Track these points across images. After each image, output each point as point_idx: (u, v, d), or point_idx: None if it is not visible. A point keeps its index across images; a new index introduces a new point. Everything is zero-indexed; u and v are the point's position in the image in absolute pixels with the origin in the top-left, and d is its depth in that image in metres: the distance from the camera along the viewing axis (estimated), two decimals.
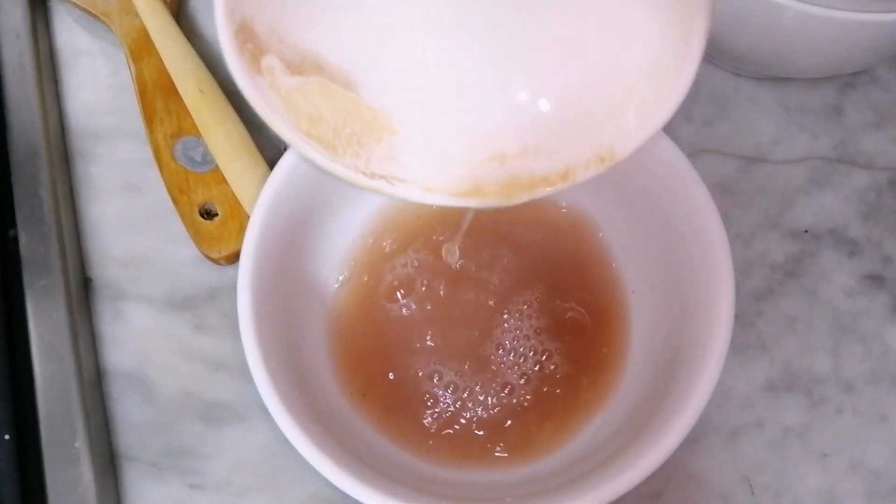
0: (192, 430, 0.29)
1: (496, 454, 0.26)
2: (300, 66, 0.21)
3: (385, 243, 0.30)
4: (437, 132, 0.22)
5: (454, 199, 0.21)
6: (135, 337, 0.30)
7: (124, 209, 0.33)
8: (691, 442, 0.29)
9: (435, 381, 0.28)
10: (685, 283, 0.26)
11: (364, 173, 0.21)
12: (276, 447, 0.28)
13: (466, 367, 0.28)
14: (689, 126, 0.34)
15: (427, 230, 0.30)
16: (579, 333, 0.28)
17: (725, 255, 0.24)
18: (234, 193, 0.31)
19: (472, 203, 0.21)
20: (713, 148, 0.34)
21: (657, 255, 0.27)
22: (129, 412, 0.29)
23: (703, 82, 0.35)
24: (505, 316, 0.28)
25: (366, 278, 0.29)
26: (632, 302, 0.28)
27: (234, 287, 0.32)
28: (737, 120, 0.35)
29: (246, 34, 0.20)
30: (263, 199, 0.25)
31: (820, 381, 0.31)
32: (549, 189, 0.21)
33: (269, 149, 0.34)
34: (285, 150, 0.34)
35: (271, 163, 0.32)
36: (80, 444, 0.27)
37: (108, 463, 0.28)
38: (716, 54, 0.35)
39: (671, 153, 0.26)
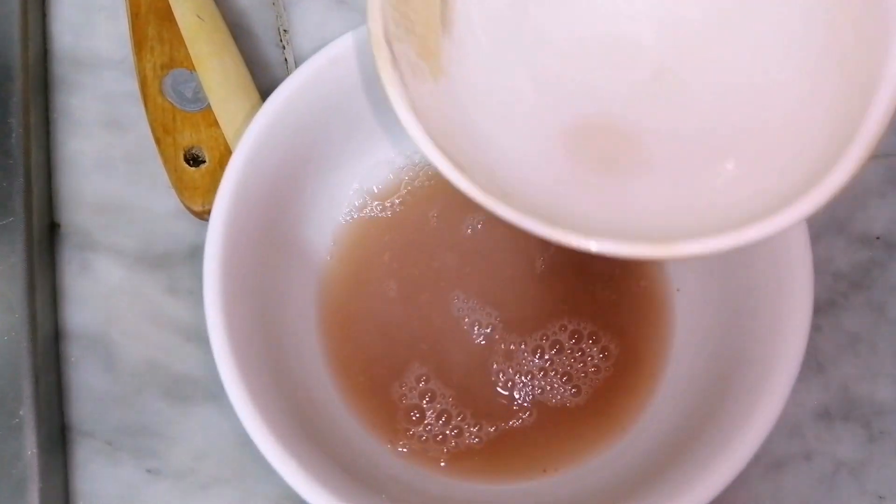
0: (154, 406, 0.25)
1: (501, 470, 0.23)
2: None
3: (388, 205, 0.26)
4: None
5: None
6: (101, 294, 0.27)
7: (102, 148, 0.29)
8: None
9: (426, 395, 0.24)
10: (745, 279, 0.21)
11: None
12: (247, 435, 0.25)
13: (465, 375, 0.24)
14: None
15: (442, 195, 0.25)
16: (611, 334, 0.24)
17: (804, 251, 0.19)
18: (224, 138, 0.27)
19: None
20: None
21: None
22: (86, 380, 0.26)
23: None
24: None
25: (363, 250, 0.25)
26: (675, 301, 0.23)
27: None
28: None
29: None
30: (249, 135, 0.21)
31: (881, 411, 0.27)
32: None
33: (269, 94, 0.30)
34: None
35: None
36: (25, 411, 0.24)
37: (57, 436, 0.25)
38: None
39: None
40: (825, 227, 0.29)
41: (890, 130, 0.30)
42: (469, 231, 0.25)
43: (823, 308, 0.28)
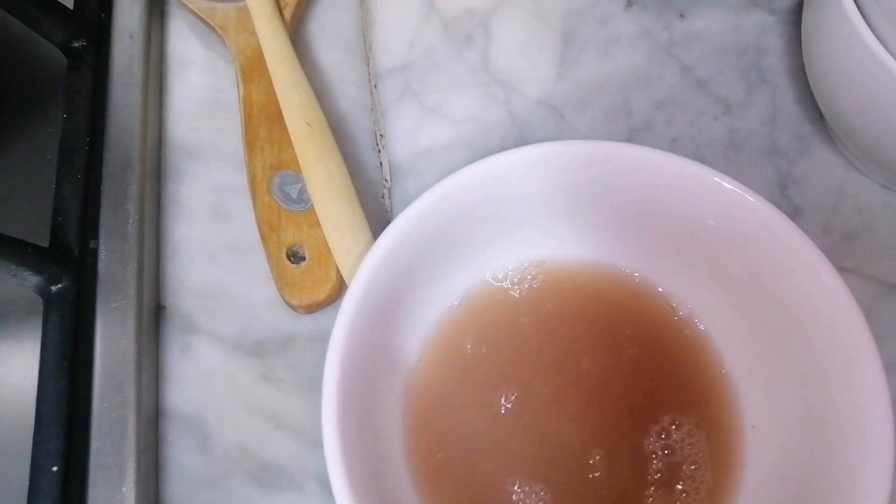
0: (243, 490, 0.27)
1: None
2: None
3: (471, 320, 0.27)
4: None
5: None
6: (199, 377, 0.29)
7: (208, 236, 0.31)
8: None
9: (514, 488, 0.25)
10: (822, 430, 0.22)
11: None
12: None
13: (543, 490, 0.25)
14: (826, 238, 0.31)
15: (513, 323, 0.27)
16: (689, 472, 0.25)
17: (885, 414, 0.20)
18: (325, 239, 0.29)
19: None
20: (851, 267, 0.30)
21: (790, 390, 0.24)
22: (180, 459, 0.27)
23: (847, 189, 0.32)
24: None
25: (445, 360, 0.27)
26: (749, 440, 0.24)
27: (308, 338, 0.30)
28: (882, 239, 0.31)
29: None
30: (365, 269, 0.23)
31: None
32: None
33: (368, 193, 0.32)
34: (383, 197, 0.33)
35: (368, 208, 0.30)
36: (127, 489, 0.25)
37: None
38: (865, 161, 0.31)
39: (824, 270, 0.23)
40: (894, 365, 0.29)
41: None
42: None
43: None
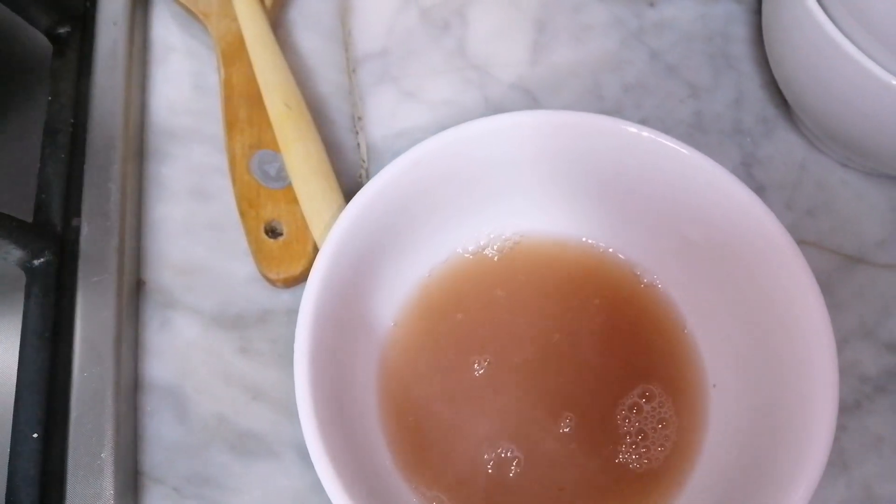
0: (221, 458, 0.27)
1: None
2: None
3: (446, 289, 0.28)
4: None
5: None
6: (178, 350, 0.29)
7: (189, 214, 0.32)
8: None
9: (487, 454, 0.26)
10: (777, 382, 0.23)
11: None
12: (305, 494, 0.27)
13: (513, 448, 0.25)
14: (789, 214, 0.32)
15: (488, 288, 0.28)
16: (651, 425, 0.25)
17: (831, 359, 0.21)
18: (303, 215, 0.30)
19: None
20: (813, 241, 0.32)
21: (746, 349, 0.25)
22: (160, 429, 0.28)
23: (808, 168, 0.33)
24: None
25: (421, 324, 0.27)
26: (711, 398, 0.25)
27: (286, 312, 0.30)
28: (840, 215, 0.32)
29: None
30: (336, 232, 0.24)
31: None
32: None
33: (346, 174, 0.33)
34: (360, 178, 0.33)
35: (346, 188, 0.31)
36: (107, 455, 0.26)
37: (131, 480, 0.27)
38: (825, 140, 0.32)
39: (781, 239, 0.24)
40: (853, 332, 0.31)
41: None
42: (533, 311, 0.28)
43: (850, 409, 0.29)
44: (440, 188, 0.26)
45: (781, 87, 0.32)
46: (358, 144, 0.34)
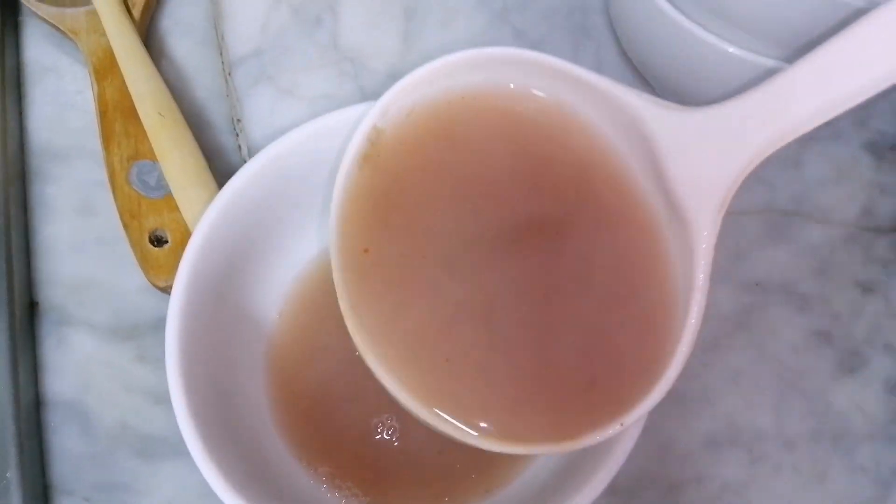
0: (127, 464, 0.29)
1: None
2: None
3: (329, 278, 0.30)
4: None
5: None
6: (77, 365, 0.30)
7: (76, 232, 0.33)
8: (628, 495, 0.29)
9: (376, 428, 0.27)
10: None
11: None
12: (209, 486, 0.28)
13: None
14: None
15: None
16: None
17: None
18: (185, 221, 0.31)
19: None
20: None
21: None
22: (65, 443, 0.29)
23: None
24: None
25: (306, 314, 0.29)
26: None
27: None
28: None
29: None
30: (205, 220, 0.25)
31: (761, 437, 0.31)
32: None
33: (229, 176, 0.34)
34: None
35: None
36: (12, 474, 0.27)
37: (40, 495, 0.28)
38: (658, 85, 0.35)
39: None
40: (712, 275, 0.33)
41: (766, 187, 0.35)
42: None
43: (711, 347, 0.32)
44: (309, 179, 0.28)
45: (629, 54, 0.35)
46: (239, 146, 0.35)
